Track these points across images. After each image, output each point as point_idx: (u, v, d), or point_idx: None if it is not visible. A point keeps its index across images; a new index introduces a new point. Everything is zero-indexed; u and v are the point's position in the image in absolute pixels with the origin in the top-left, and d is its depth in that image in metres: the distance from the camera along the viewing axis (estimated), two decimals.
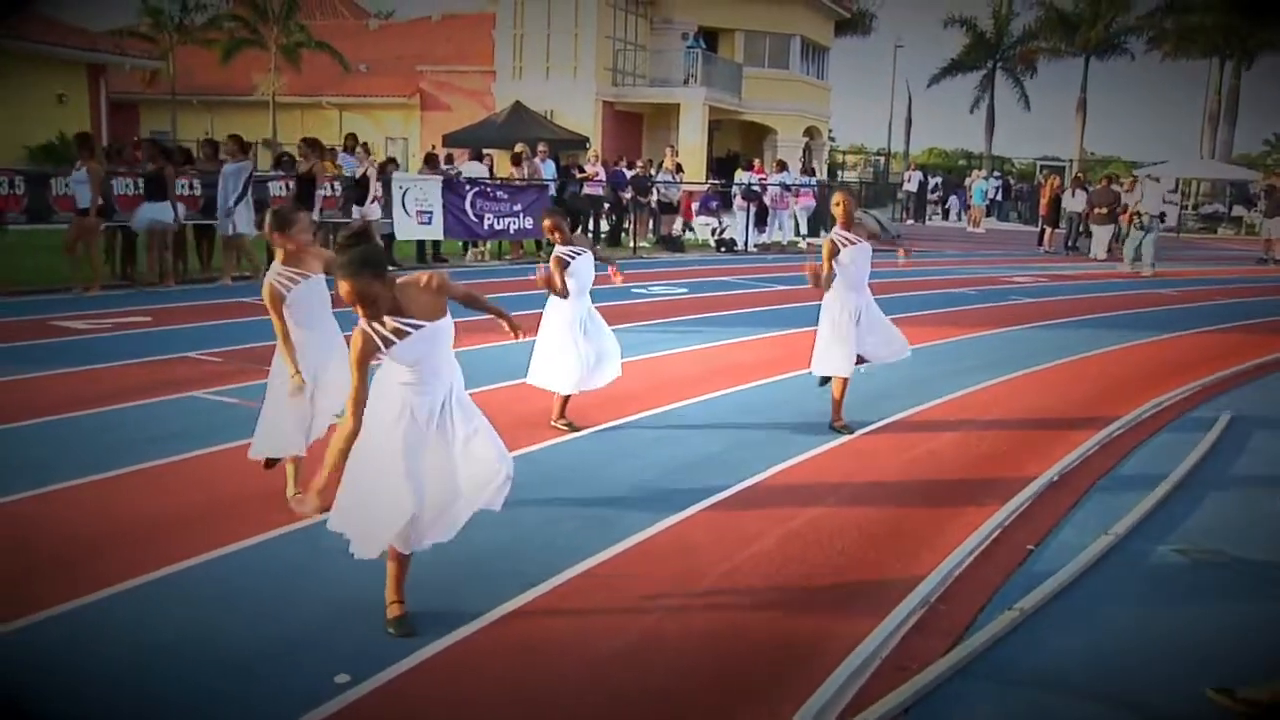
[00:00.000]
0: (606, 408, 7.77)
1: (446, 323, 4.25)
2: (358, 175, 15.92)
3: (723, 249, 22.26)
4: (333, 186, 15.69)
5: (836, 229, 7.45)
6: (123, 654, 4.03)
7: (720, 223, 23.26)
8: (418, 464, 4.20)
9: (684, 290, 14.02)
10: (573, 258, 7.13)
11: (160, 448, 6.47)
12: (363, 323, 4.09)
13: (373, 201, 15.74)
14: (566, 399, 7.34)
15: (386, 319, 4.10)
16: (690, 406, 8.17)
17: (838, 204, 7.41)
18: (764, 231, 23.58)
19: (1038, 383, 9.65)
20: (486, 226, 17.74)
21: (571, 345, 7.12)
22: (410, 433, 4.20)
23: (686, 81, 33.32)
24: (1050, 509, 6.15)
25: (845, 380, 7.64)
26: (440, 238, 17.12)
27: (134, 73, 33.51)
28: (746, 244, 22.66)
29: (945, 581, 4.98)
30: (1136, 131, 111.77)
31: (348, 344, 4.51)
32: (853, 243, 7.40)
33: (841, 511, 5.91)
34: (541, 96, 31.63)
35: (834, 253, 7.40)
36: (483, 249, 18.79)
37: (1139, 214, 21.48)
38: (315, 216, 14.19)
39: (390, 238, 16.43)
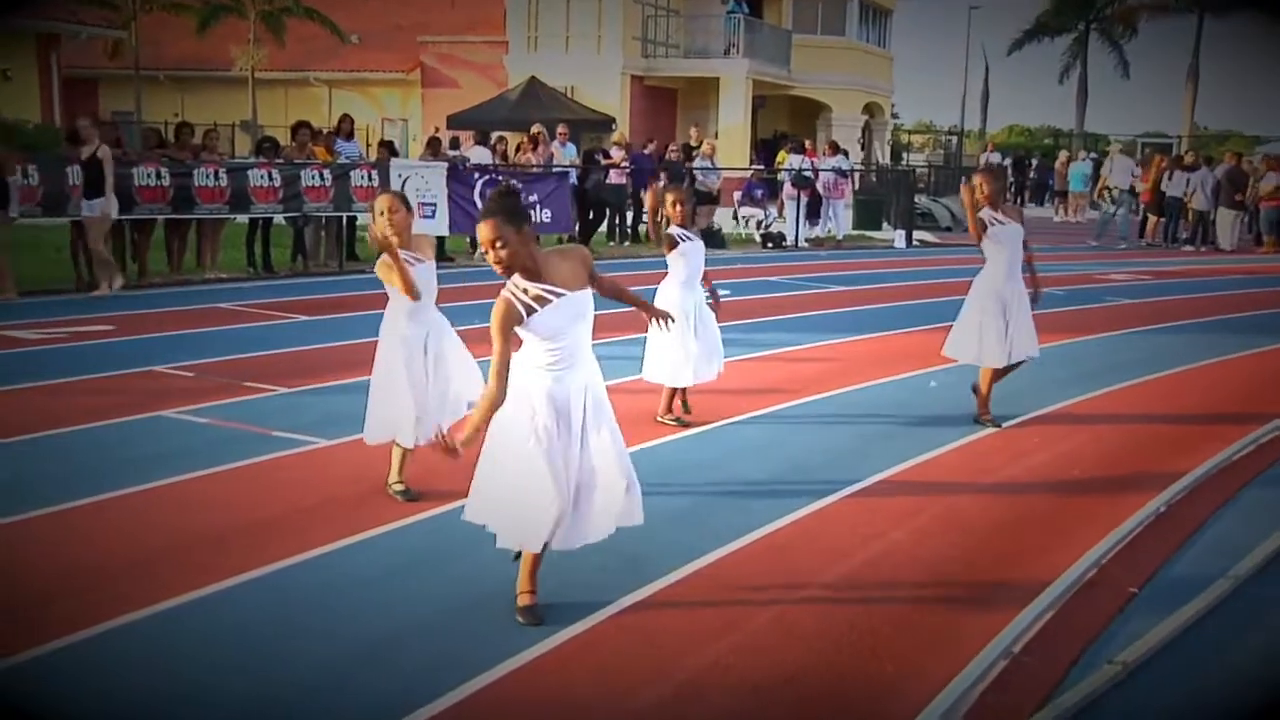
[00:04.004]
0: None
1: (588, 296, 4.74)
2: (85, 157, 13.12)
3: (769, 244, 22.24)
4: (26, 174, 13.01)
5: (985, 209, 8.09)
6: (86, 707, 4.05)
7: (766, 214, 23.24)
8: (558, 461, 4.68)
9: (726, 292, 13.97)
10: (685, 239, 7.93)
11: (126, 475, 6.52)
12: (507, 286, 4.63)
13: (108, 194, 13.09)
14: (673, 394, 8.11)
15: (528, 285, 4.60)
16: (727, 426, 8.17)
17: (980, 185, 8.09)
18: (816, 224, 23.52)
19: (1141, 396, 9.56)
20: None
21: (679, 337, 7.75)
22: (548, 426, 4.68)
23: (727, 52, 33.38)
24: (1157, 544, 6.07)
25: (994, 371, 8.27)
26: (445, 233, 17.18)
27: (92, 44, 33.88)
28: (797, 239, 22.62)
29: (1031, 629, 4.93)
30: (1260, 101, 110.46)
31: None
32: (1001, 222, 8.05)
33: (908, 546, 5.87)
34: (561, 71, 31.78)
35: (982, 229, 8.05)
36: None
37: (1108, 188, 24.76)
38: (13, 213, 12.68)
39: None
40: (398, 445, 6.34)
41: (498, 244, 4.54)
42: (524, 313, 4.59)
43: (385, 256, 6.14)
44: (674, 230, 7.93)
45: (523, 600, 4.85)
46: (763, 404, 8.74)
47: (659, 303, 7.87)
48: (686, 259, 7.92)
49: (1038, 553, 5.84)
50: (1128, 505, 6.58)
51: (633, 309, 5.44)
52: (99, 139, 13.29)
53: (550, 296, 4.62)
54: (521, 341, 4.71)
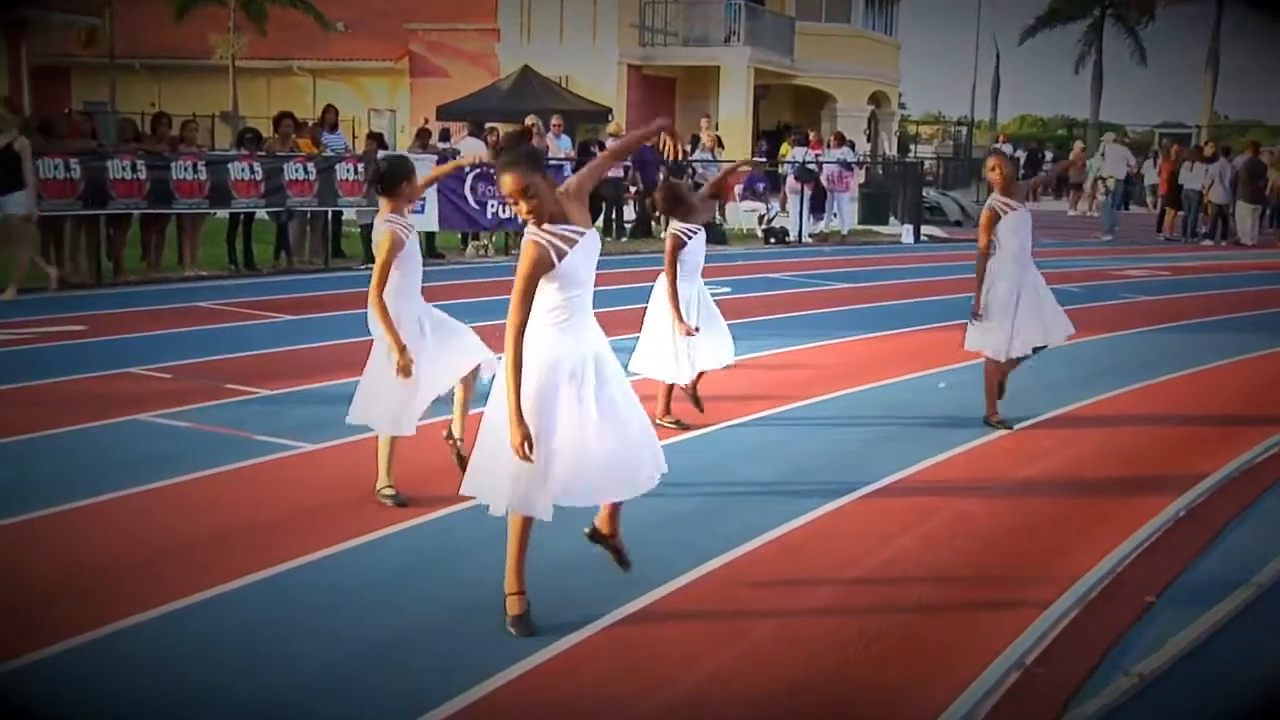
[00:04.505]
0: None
1: (596, 234, 4.73)
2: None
3: (771, 240, 22.27)
4: None
5: (995, 195, 8.13)
6: (90, 709, 4.09)
7: (768, 209, 23.27)
8: (552, 423, 4.62)
9: (727, 289, 14.02)
10: (689, 236, 7.85)
11: (104, 482, 6.52)
12: (532, 230, 4.53)
13: (27, 189, 12.66)
14: (670, 393, 8.06)
15: (553, 228, 4.55)
16: (728, 427, 8.18)
17: (993, 168, 8.18)
18: (820, 219, 23.53)
19: (1158, 397, 9.58)
20: (490, 215, 17.80)
21: (677, 331, 7.75)
22: (550, 386, 4.61)
23: (728, 40, 33.41)
24: (1176, 550, 6.08)
25: (1003, 365, 8.29)
26: (435, 229, 17.21)
27: (64, 32, 33.81)
28: (800, 234, 22.64)
29: (1045, 639, 4.94)
30: None
31: None
32: (1013, 209, 8.04)
33: (917, 552, 5.88)
34: (554, 60, 31.78)
35: (993, 221, 8.02)
36: (485, 242, 18.86)
37: (1103, 179, 25.93)
38: None
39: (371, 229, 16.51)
40: (381, 446, 6.33)
41: (528, 192, 4.47)
42: (555, 257, 4.52)
43: (384, 236, 6.11)
44: (676, 227, 7.91)
45: (512, 607, 4.82)
46: (765, 405, 8.75)
47: (656, 296, 7.94)
48: (690, 256, 7.90)
49: (1051, 559, 5.85)
50: (1144, 510, 6.59)
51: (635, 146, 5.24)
52: (18, 130, 12.98)
53: (575, 236, 4.58)
54: None
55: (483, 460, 4.80)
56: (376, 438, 6.40)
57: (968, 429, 8.20)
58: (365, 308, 6.31)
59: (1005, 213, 8.00)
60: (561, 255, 4.53)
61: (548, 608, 4.91)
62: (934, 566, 5.73)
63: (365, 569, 5.47)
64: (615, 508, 5.07)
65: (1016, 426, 8.30)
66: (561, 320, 4.62)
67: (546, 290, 4.58)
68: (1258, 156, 24.71)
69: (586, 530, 5.10)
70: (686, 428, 8.01)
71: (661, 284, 7.90)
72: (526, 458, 4.48)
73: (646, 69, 33.68)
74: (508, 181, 4.49)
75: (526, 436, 4.47)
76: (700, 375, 8.15)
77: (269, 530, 5.92)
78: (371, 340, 6.41)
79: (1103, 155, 26.88)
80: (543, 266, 4.50)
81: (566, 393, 4.65)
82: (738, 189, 23.88)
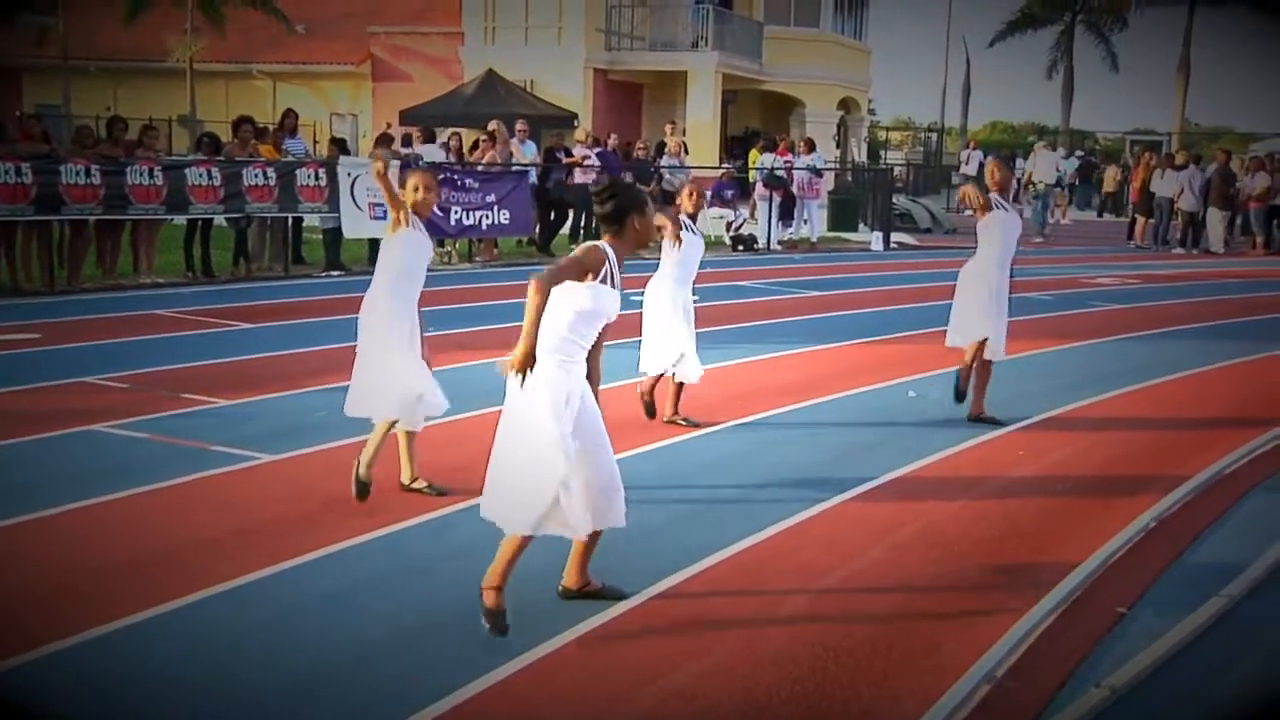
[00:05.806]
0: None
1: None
2: None
3: (739, 247, 22.32)
4: None
5: (994, 195, 8.60)
6: None
7: (736, 215, 23.33)
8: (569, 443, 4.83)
9: (695, 297, 14.01)
10: (690, 230, 8.24)
11: (54, 495, 6.43)
12: (601, 244, 4.91)
13: None
14: (654, 385, 8.33)
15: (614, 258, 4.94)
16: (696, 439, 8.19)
17: (992, 172, 8.76)
18: (789, 226, 23.61)
19: (1129, 406, 9.65)
20: (454, 222, 17.75)
21: (681, 326, 8.14)
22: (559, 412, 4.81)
23: (696, 45, 33.48)
24: (1148, 560, 6.12)
25: (970, 364, 8.62)
26: None
27: (14, 32, 33.49)
28: (769, 242, 22.70)
29: (1015, 651, 4.95)
30: (1255, 97, 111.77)
31: None
32: (1006, 210, 8.58)
33: (887, 564, 5.89)
34: (519, 64, 31.79)
35: (989, 208, 8.48)
36: (450, 249, 18.80)
37: (1034, 183, 27.29)
38: None
39: (336, 234, 16.48)
40: (402, 435, 6.41)
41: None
42: (604, 276, 4.83)
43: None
44: (683, 217, 8.20)
45: (489, 599, 4.86)
46: (735, 414, 8.75)
47: (649, 297, 8.24)
48: (684, 252, 8.14)
49: (1022, 570, 5.88)
50: (1116, 520, 6.64)
51: None
52: None
53: (618, 281, 4.93)
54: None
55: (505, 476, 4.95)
56: (331, 448, 6.36)
57: (939, 438, 8.23)
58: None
59: (999, 208, 8.48)
60: (605, 280, 4.83)
61: (512, 621, 4.88)
62: (904, 577, 5.74)
63: (323, 583, 5.42)
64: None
65: (987, 436, 8.35)
66: (567, 355, 4.86)
67: (566, 316, 4.79)
68: (1229, 164, 24.99)
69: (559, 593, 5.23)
70: (698, 425, 8.31)
71: (654, 287, 8.22)
72: (522, 370, 4.60)
73: (613, 73, 33.71)
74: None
75: (529, 354, 4.61)
76: (679, 386, 8.39)
77: (223, 544, 5.85)
78: (353, 345, 6.45)
79: (1033, 161, 27.88)
80: (589, 266, 4.80)
81: (565, 421, 4.83)
82: (705, 194, 23.93)
